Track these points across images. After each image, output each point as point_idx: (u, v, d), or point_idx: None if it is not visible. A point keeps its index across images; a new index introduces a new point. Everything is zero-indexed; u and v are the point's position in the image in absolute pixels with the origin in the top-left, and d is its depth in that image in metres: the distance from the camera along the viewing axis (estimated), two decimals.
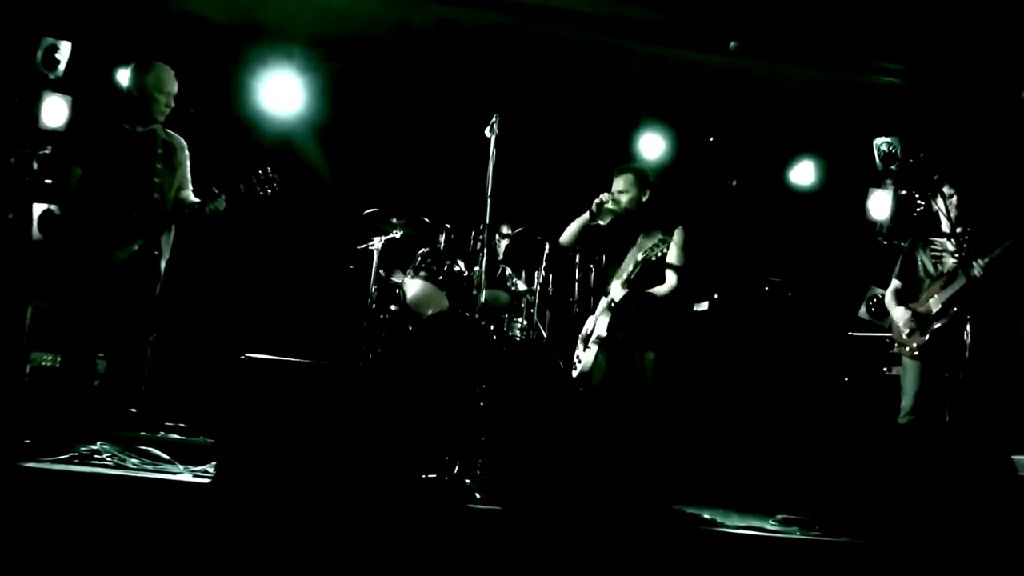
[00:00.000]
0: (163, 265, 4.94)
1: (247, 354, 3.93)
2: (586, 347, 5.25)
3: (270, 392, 3.86)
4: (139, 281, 4.82)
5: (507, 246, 6.27)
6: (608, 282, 5.33)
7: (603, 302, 5.26)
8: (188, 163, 5.02)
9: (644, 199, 5.38)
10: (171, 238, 4.99)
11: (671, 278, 5.23)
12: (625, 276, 5.15)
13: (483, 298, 5.22)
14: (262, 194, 4.92)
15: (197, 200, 4.93)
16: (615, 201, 5.34)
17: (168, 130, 4.98)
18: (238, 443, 3.80)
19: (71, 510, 3.46)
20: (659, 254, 5.05)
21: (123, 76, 4.90)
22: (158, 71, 4.89)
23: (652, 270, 5.17)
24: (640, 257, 5.09)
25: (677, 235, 5.23)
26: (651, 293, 5.18)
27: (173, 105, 4.90)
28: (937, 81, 6.49)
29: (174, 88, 4.90)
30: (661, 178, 7.25)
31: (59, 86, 6.14)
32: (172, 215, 4.88)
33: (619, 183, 5.39)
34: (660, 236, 5.08)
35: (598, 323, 5.22)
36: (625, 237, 5.37)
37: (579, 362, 5.27)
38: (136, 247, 4.79)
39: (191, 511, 3.59)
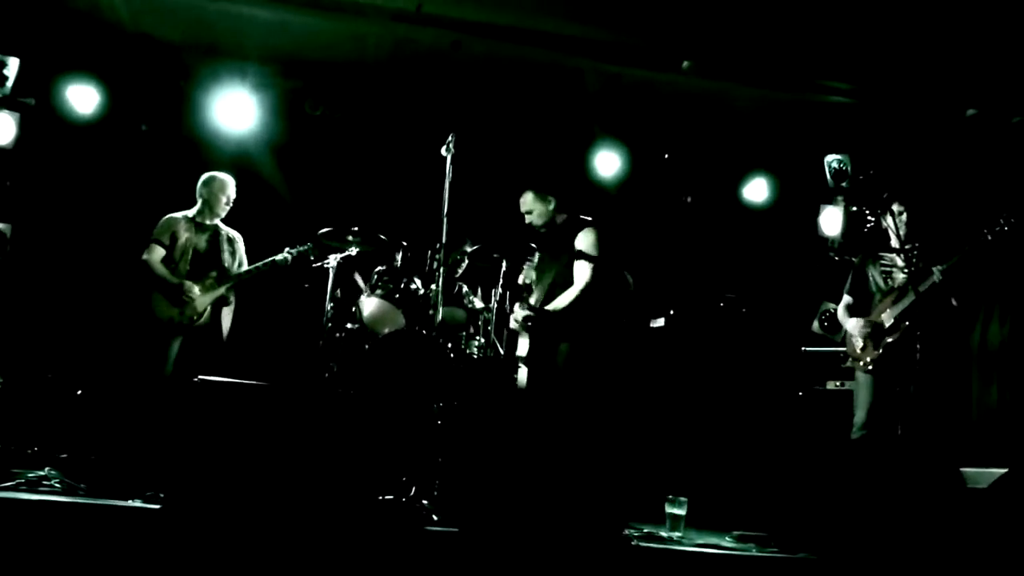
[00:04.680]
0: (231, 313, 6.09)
1: (200, 376, 3.88)
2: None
3: (223, 415, 3.81)
4: (213, 332, 5.98)
5: (466, 264, 6.24)
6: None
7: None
8: (244, 250, 6.18)
9: (551, 209, 5.53)
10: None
11: (583, 274, 5.33)
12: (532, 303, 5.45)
13: (440, 316, 5.20)
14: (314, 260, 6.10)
15: (260, 263, 6.08)
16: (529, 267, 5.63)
17: (227, 226, 6.12)
18: (190, 467, 3.75)
19: (18, 539, 3.38)
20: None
21: (200, 187, 6.05)
22: (223, 180, 6.02)
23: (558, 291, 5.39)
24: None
25: (586, 234, 5.36)
26: (554, 309, 5.35)
27: (232, 205, 6.03)
28: (885, 100, 6.61)
29: (233, 193, 6.05)
30: (618, 194, 7.36)
31: (6, 103, 6.05)
32: (241, 279, 6.05)
33: (524, 204, 5.59)
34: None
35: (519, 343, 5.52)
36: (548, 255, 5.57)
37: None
38: (210, 308, 5.93)
39: (142, 538, 3.53)
